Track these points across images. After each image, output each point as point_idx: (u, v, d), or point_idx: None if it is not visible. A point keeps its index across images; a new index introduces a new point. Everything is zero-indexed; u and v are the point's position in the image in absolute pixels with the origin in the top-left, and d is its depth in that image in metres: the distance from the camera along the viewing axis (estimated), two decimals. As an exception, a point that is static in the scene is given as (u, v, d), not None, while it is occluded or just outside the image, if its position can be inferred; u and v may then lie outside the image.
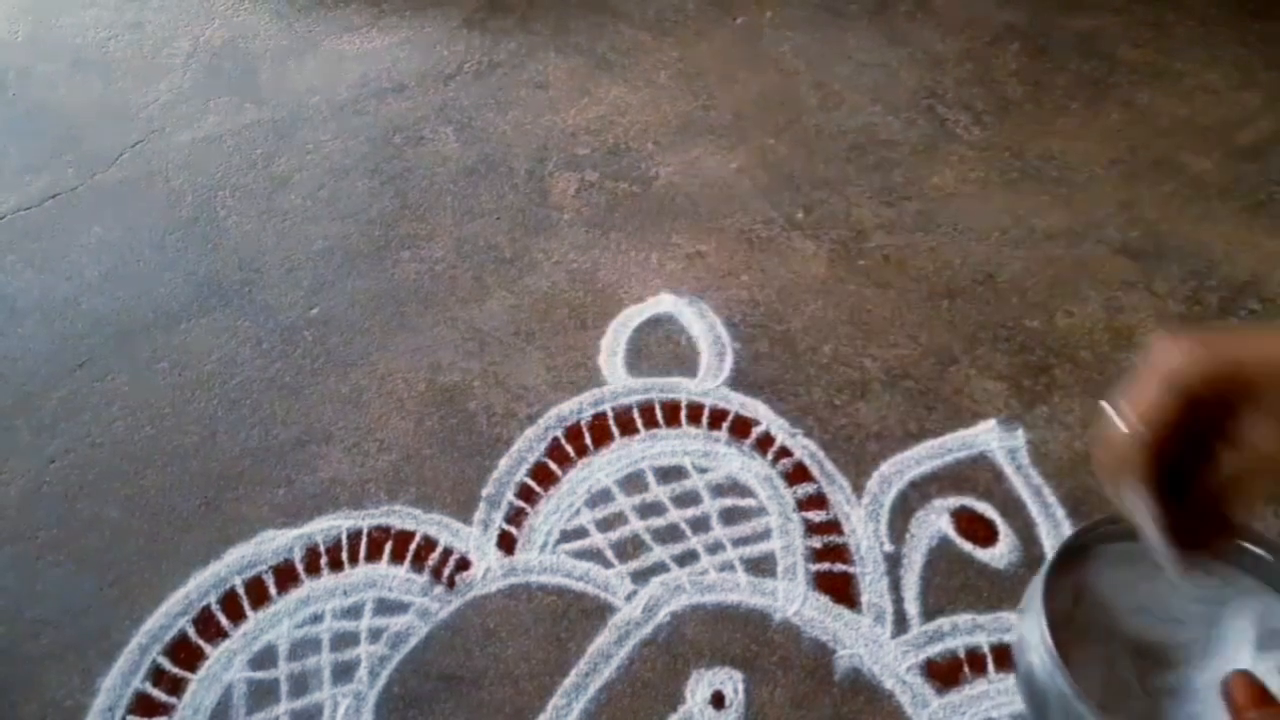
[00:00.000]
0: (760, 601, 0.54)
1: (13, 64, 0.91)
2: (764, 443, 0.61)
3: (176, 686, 0.52)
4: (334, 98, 0.86)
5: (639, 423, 0.62)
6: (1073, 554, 0.47)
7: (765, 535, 0.57)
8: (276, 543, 0.57)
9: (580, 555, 0.56)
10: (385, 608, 0.54)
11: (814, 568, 0.55)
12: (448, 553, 0.56)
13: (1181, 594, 0.47)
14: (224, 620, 0.54)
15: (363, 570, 0.56)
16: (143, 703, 0.51)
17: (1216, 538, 0.35)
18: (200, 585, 0.56)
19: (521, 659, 0.52)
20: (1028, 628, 0.46)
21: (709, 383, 0.64)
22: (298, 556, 0.56)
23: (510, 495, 0.59)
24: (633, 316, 0.68)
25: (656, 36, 0.91)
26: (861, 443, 0.60)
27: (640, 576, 0.55)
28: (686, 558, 0.56)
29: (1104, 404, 0.32)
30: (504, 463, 0.60)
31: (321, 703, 0.51)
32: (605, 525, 0.57)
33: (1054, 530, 0.56)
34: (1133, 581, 0.49)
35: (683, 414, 0.62)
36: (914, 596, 0.54)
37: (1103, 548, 0.49)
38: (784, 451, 0.60)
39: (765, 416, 0.62)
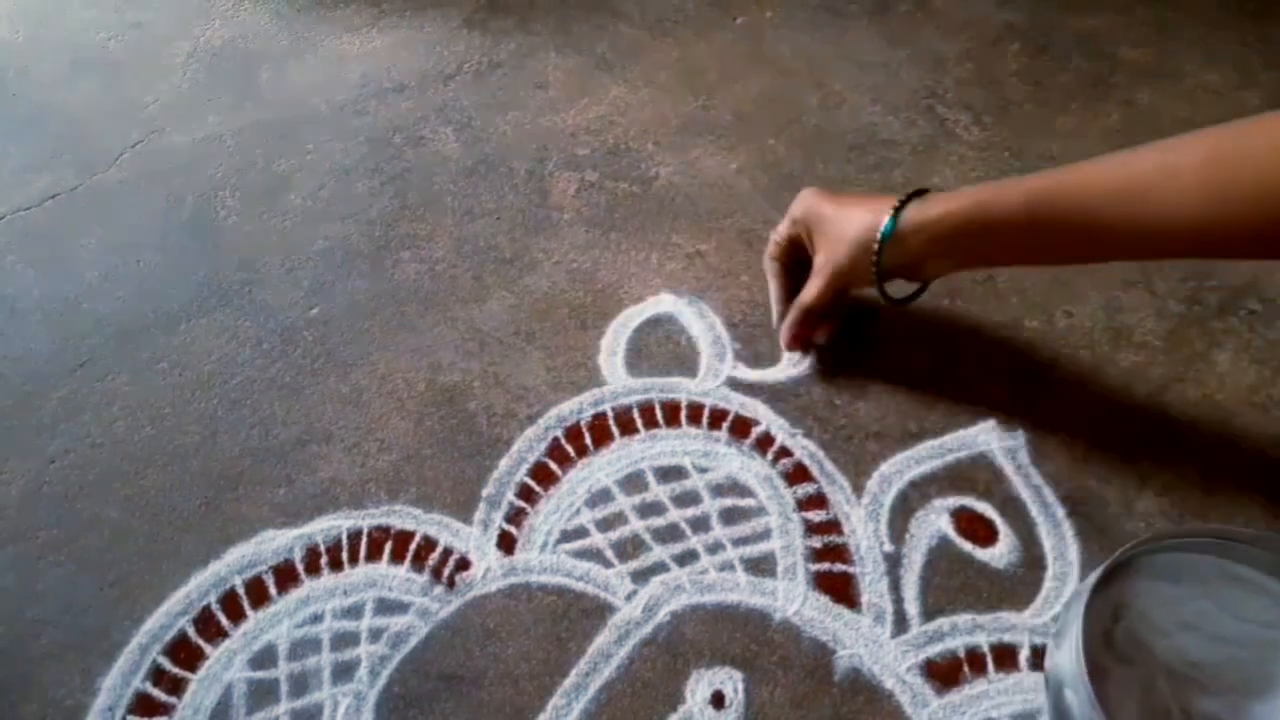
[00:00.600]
0: (760, 601, 0.54)
1: (12, 64, 0.91)
2: (764, 443, 0.61)
3: (177, 686, 0.52)
4: (334, 98, 0.86)
5: (639, 423, 0.62)
6: (1114, 571, 0.47)
7: (765, 535, 0.57)
8: (276, 543, 0.57)
9: (580, 555, 0.56)
10: (385, 607, 0.54)
11: (814, 568, 0.55)
12: (448, 553, 0.56)
13: (1233, 613, 0.47)
14: (224, 620, 0.54)
15: (363, 570, 0.56)
16: (143, 702, 0.52)
17: (811, 331, 0.63)
18: (200, 585, 0.56)
19: (521, 659, 0.52)
20: (1064, 657, 0.46)
21: (709, 383, 0.64)
22: (298, 556, 0.57)
23: (510, 495, 0.59)
24: (633, 316, 0.68)
25: (656, 37, 0.91)
26: (861, 443, 0.60)
27: (640, 576, 0.55)
28: (686, 557, 0.56)
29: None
30: (504, 463, 0.60)
31: (321, 702, 0.51)
32: (605, 525, 0.57)
33: (1054, 530, 0.56)
34: (1178, 597, 0.49)
35: (683, 414, 0.62)
36: (914, 596, 0.54)
37: (1146, 559, 0.48)
38: (784, 451, 0.60)
39: (765, 416, 0.62)
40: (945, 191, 0.56)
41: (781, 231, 0.63)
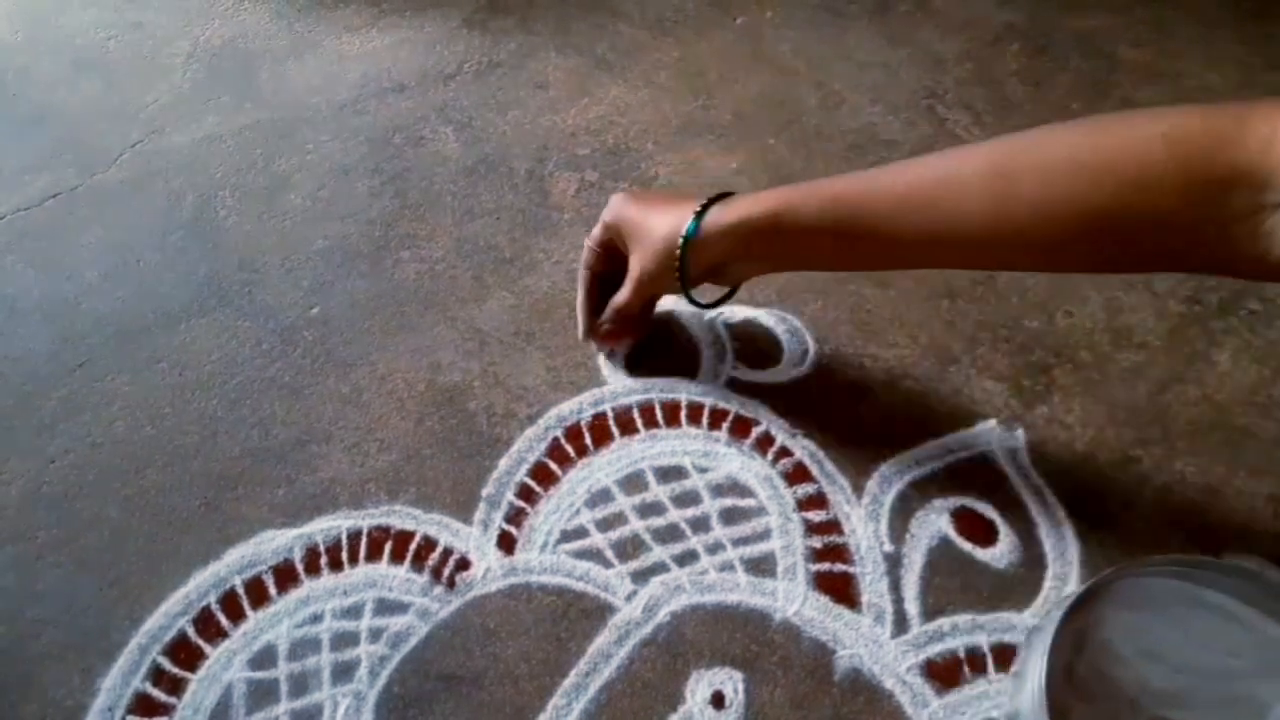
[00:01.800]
0: (760, 601, 0.54)
1: (12, 64, 0.91)
2: (764, 442, 0.61)
3: (176, 686, 0.52)
4: (334, 98, 0.86)
5: (639, 423, 0.62)
6: (1075, 606, 0.46)
7: (765, 535, 0.57)
8: (276, 543, 0.57)
9: (580, 555, 0.56)
10: (385, 608, 0.54)
11: (814, 568, 0.55)
12: (448, 553, 0.56)
13: (1199, 641, 0.46)
14: (224, 620, 0.54)
15: (363, 570, 0.56)
16: (143, 702, 0.51)
17: (622, 334, 0.63)
18: (200, 585, 0.56)
19: (521, 659, 0.52)
20: (1024, 703, 0.45)
21: (709, 382, 0.64)
22: (298, 556, 0.57)
23: (510, 495, 0.59)
24: (633, 316, 0.68)
25: (656, 36, 0.91)
26: (861, 443, 0.60)
27: (640, 576, 0.55)
28: (686, 558, 0.56)
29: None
30: (504, 463, 0.60)
31: (321, 702, 0.51)
32: (605, 525, 0.57)
33: (1054, 530, 0.56)
34: (1142, 624, 0.48)
35: (683, 414, 0.62)
36: (914, 596, 0.54)
37: (1111, 587, 0.48)
38: (784, 451, 0.60)
39: (765, 416, 0.62)
40: (748, 194, 0.55)
41: (595, 236, 0.61)
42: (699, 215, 0.55)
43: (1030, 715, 0.44)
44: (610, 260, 0.62)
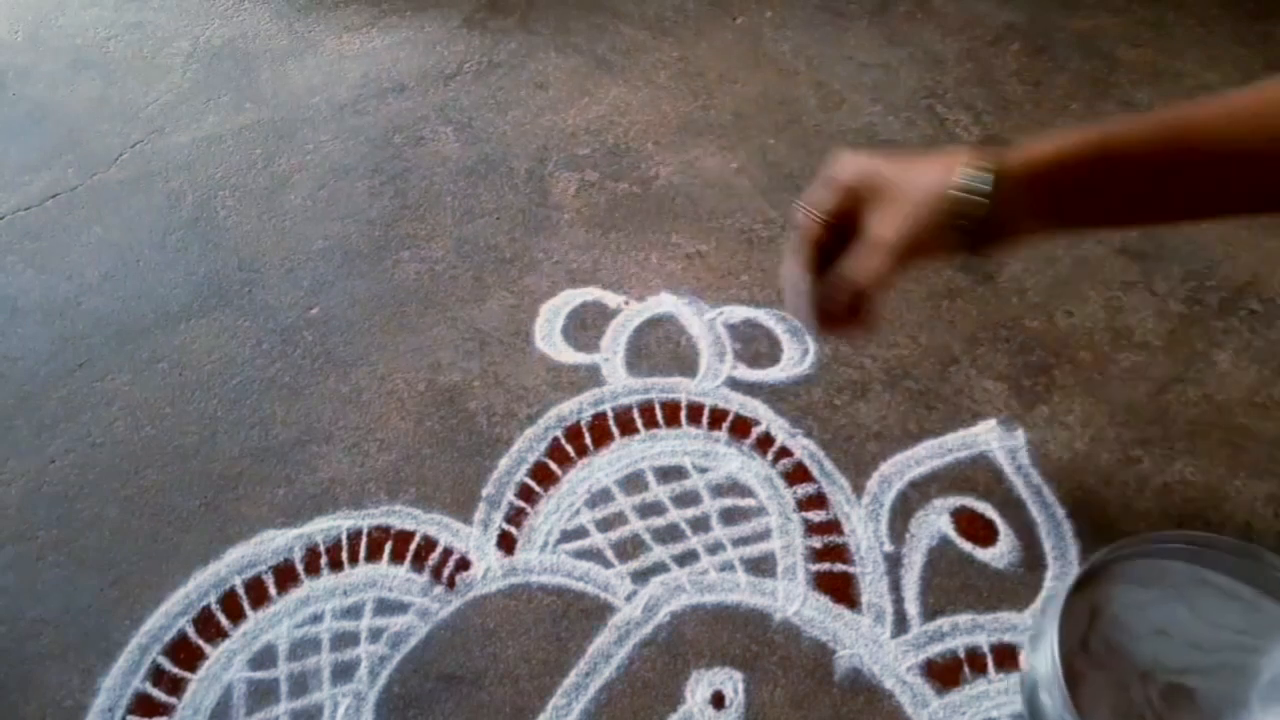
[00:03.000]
0: (760, 601, 0.54)
1: (12, 64, 0.91)
2: (764, 443, 0.61)
3: (176, 686, 0.52)
4: (334, 98, 0.86)
5: (639, 423, 0.62)
6: (1089, 576, 0.48)
7: (765, 535, 0.57)
8: (276, 543, 0.57)
9: (580, 555, 0.56)
10: (385, 608, 0.54)
11: (814, 568, 0.55)
12: (448, 553, 0.56)
13: (1206, 619, 0.48)
14: (224, 620, 0.54)
15: (363, 570, 0.56)
16: (143, 702, 0.51)
17: (846, 321, 0.48)
18: (200, 585, 0.56)
19: (521, 659, 0.52)
20: (1039, 660, 0.46)
21: (709, 383, 0.64)
22: (298, 556, 0.56)
23: (510, 495, 0.59)
24: (633, 316, 0.68)
25: (656, 36, 0.91)
26: (861, 443, 0.60)
27: (640, 576, 0.55)
28: (686, 558, 0.56)
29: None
30: (504, 463, 0.60)
31: (321, 702, 0.51)
32: (605, 525, 0.57)
33: (1054, 530, 0.56)
34: (1151, 602, 0.49)
35: (683, 414, 0.62)
36: (914, 596, 0.54)
37: (1121, 566, 0.49)
38: (784, 451, 0.60)
39: (765, 416, 0.62)
40: (1042, 138, 0.45)
41: (820, 203, 0.48)
42: (986, 160, 0.44)
43: (1045, 673, 0.45)
44: (836, 234, 0.49)
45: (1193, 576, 0.49)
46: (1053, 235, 0.54)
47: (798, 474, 0.59)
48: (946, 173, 0.45)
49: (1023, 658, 0.51)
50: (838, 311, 0.48)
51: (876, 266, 0.46)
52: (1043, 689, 0.45)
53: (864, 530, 0.56)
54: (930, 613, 0.53)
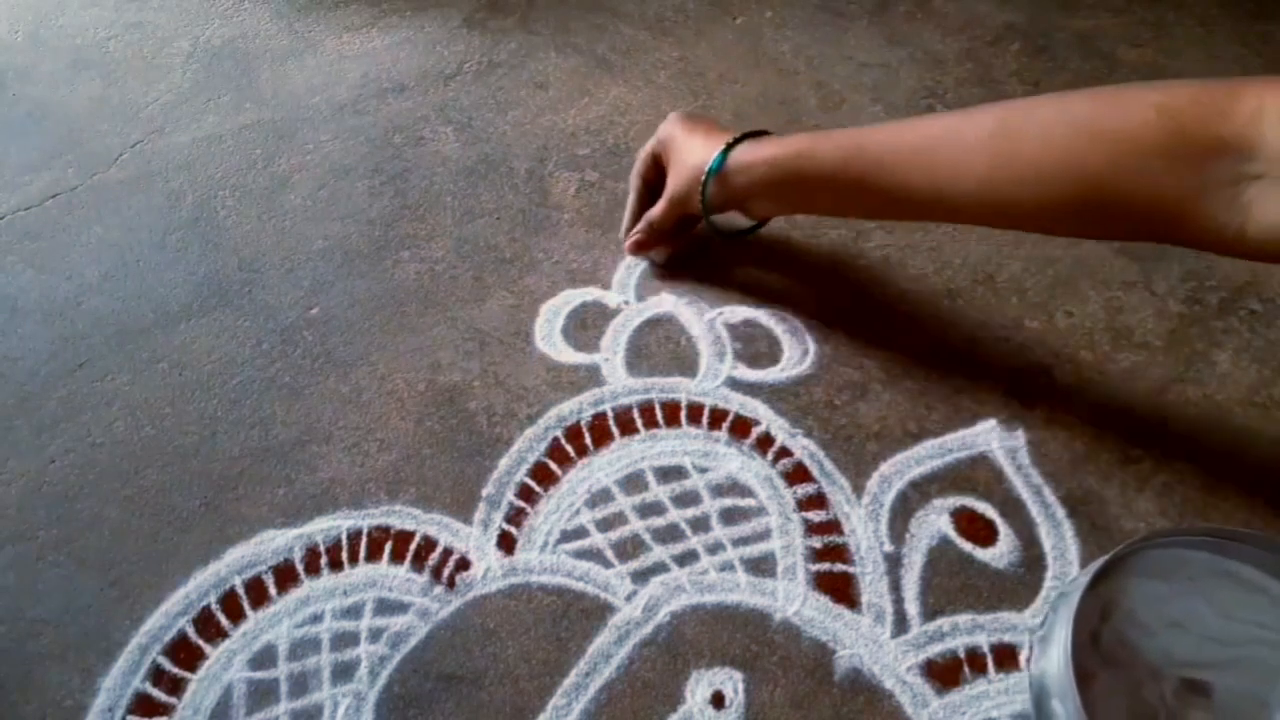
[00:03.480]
0: (760, 601, 0.54)
1: (12, 64, 0.91)
2: (764, 443, 0.61)
3: (176, 686, 0.52)
4: (334, 98, 0.86)
5: (639, 423, 0.62)
6: (1104, 572, 0.46)
7: (765, 535, 0.57)
8: (276, 543, 0.57)
9: (580, 555, 0.56)
10: (385, 607, 0.54)
11: (814, 568, 0.55)
12: (448, 553, 0.56)
13: (1226, 612, 0.47)
14: (224, 620, 0.54)
15: (363, 570, 0.56)
16: (143, 702, 0.51)
17: (649, 247, 0.68)
18: (200, 585, 0.56)
19: (521, 659, 0.52)
20: (1050, 664, 0.46)
21: (709, 382, 0.64)
22: (298, 556, 0.57)
23: (510, 495, 0.59)
24: (633, 316, 0.68)
25: (656, 36, 0.91)
26: (861, 443, 0.60)
27: (640, 576, 0.55)
28: (686, 558, 0.56)
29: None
30: (504, 463, 0.60)
31: (321, 702, 0.51)
32: (605, 525, 0.57)
33: (1054, 530, 0.56)
34: (1168, 595, 0.48)
35: (683, 414, 0.62)
36: (914, 596, 0.54)
37: (1136, 557, 0.48)
38: (784, 451, 0.60)
39: (765, 416, 0.62)
40: (777, 136, 0.59)
41: (647, 148, 0.67)
42: (727, 149, 0.59)
43: (1056, 679, 0.44)
44: (657, 173, 0.67)
45: (1214, 568, 0.48)
46: (788, 214, 0.69)
47: (798, 474, 0.59)
48: (707, 154, 0.60)
49: (1024, 658, 0.51)
50: (643, 239, 0.68)
51: (660, 213, 0.65)
52: (1054, 696, 0.44)
53: (864, 530, 0.56)
54: (930, 613, 0.53)
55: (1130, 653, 0.46)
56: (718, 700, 0.51)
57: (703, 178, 0.60)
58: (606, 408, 0.63)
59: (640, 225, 0.67)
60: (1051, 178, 0.47)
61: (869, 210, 0.61)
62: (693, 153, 0.61)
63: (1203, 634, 0.47)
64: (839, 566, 0.55)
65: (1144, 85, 0.46)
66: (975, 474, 0.59)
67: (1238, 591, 0.47)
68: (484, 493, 0.59)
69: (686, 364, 0.65)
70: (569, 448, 0.61)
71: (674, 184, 0.63)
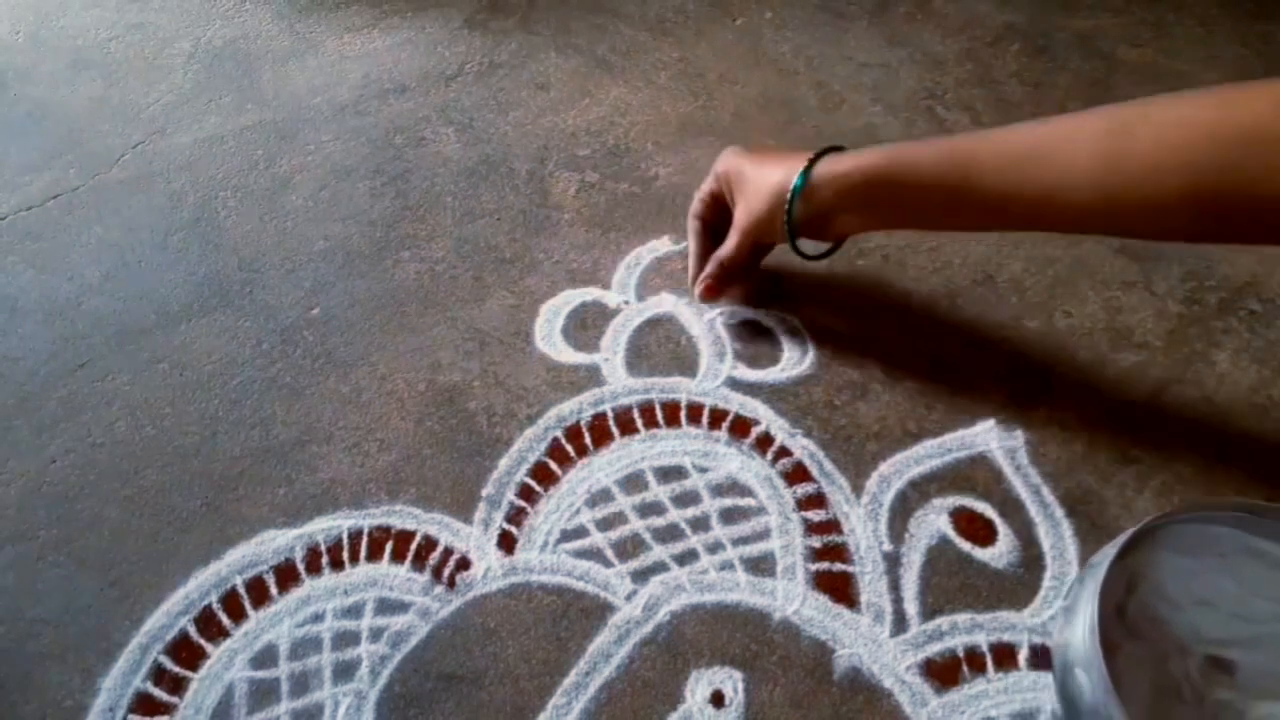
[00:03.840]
0: (760, 601, 0.54)
1: (12, 64, 0.91)
2: (764, 442, 0.61)
3: (178, 686, 0.52)
4: (335, 98, 0.86)
5: (639, 423, 0.62)
6: (1131, 544, 0.46)
7: (765, 535, 0.57)
8: (277, 542, 0.57)
9: (580, 555, 0.56)
10: (386, 607, 0.55)
11: (813, 567, 0.55)
12: (448, 552, 0.57)
13: (1254, 590, 0.46)
14: (225, 619, 0.54)
15: (363, 570, 0.56)
16: (144, 702, 0.52)
17: (723, 290, 0.65)
18: (201, 585, 0.56)
19: (522, 658, 0.52)
20: (1075, 635, 0.45)
21: (709, 382, 0.64)
22: (298, 556, 0.57)
23: (510, 495, 0.59)
24: (632, 316, 0.68)
25: (656, 37, 0.91)
26: (861, 443, 0.61)
27: (640, 576, 0.55)
28: (686, 557, 0.56)
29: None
30: (504, 462, 0.60)
31: (322, 702, 0.51)
32: (605, 525, 0.57)
33: (1053, 530, 0.56)
34: (1196, 571, 0.47)
35: (683, 414, 0.62)
36: (913, 596, 0.54)
37: (1166, 530, 0.47)
38: (784, 451, 0.60)
39: (765, 416, 0.62)
40: (860, 149, 0.57)
41: (705, 188, 0.64)
42: (810, 165, 0.57)
43: (1081, 649, 0.44)
44: (717, 213, 0.64)
45: (1243, 545, 0.47)
46: (876, 230, 0.67)
47: (797, 474, 0.59)
48: (787, 174, 0.57)
49: (1023, 657, 0.51)
50: (714, 283, 0.64)
51: (733, 249, 0.62)
52: (1079, 666, 0.44)
53: (863, 530, 0.57)
54: (929, 612, 0.53)
55: (1156, 627, 0.46)
56: (717, 699, 0.51)
57: (788, 197, 0.57)
58: (606, 408, 0.63)
59: (710, 268, 0.63)
60: (1168, 177, 0.45)
61: (967, 219, 0.56)
62: (769, 178, 0.58)
63: (1230, 611, 0.46)
64: (838, 566, 0.55)
65: (1260, 82, 0.44)
66: (974, 474, 0.59)
67: (1266, 570, 0.47)
68: (484, 492, 0.59)
69: (686, 364, 0.65)
70: (569, 448, 0.61)
71: (749, 213, 0.60)
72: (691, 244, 0.66)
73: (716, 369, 0.64)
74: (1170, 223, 0.48)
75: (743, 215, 0.61)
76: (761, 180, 0.59)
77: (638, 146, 0.80)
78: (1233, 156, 0.43)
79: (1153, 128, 0.46)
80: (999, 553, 0.56)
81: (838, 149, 0.57)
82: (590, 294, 0.69)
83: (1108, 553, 0.46)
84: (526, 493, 0.59)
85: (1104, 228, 0.52)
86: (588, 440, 0.61)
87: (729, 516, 0.58)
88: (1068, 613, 0.47)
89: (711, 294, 0.64)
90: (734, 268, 0.63)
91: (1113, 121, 0.48)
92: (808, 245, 0.62)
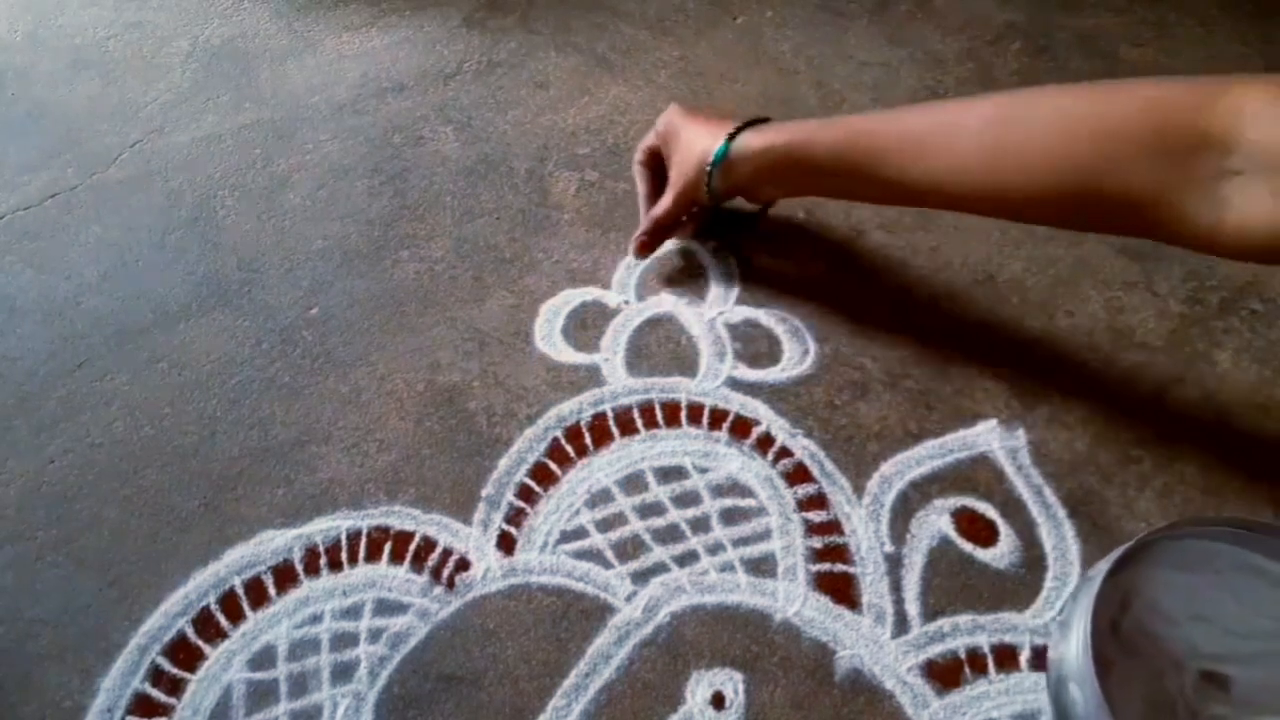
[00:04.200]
0: (760, 602, 0.54)
1: (11, 63, 0.91)
2: (764, 443, 0.61)
3: (176, 687, 0.52)
4: (333, 97, 0.86)
5: (639, 423, 0.62)
6: (1126, 559, 0.46)
7: (765, 535, 0.57)
8: (276, 543, 0.57)
9: (580, 555, 0.56)
10: (385, 608, 0.54)
11: (814, 568, 0.55)
12: (447, 553, 0.56)
13: (1250, 606, 0.46)
14: (223, 620, 0.54)
15: (362, 570, 0.56)
16: (142, 703, 0.51)
17: (659, 241, 0.68)
18: (199, 585, 0.55)
19: (521, 659, 0.52)
20: (1069, 650, 0.45)
21: (709, 383, 0.64)
22: (297, 557, 0.56)
23: (510, 495, 0.59)
24: (632, 316, 0.68)
25: (656, 36, 0.91)
26: (862, 443, 0.60)
27: (640, 577, 0.55)
28: (687, 558, 0.56)
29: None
30: (504, 463, 0.60)
31: (321, 703, 0.51)
32: (605, 525, 0.57)
33: (1055, 530, 0.56)
34: (1191, 586, 0.47)
35: (683, 414, 0.62)
36: (914, 597, 0.54)
37: (1161, 546, 0.47)
38: (784, 451, 0.60)
39: (765, 416, 0.62)
40: (780, 123, 0.60)
41: (646, 141, 0.68)
42: (730, 138, 0.61)
43: (1074, 664, 0.44)
44: (658, 164, 0.68)
45: (1240, 561, 0.47)
46: (793, 196, 0.68)
47: (798, 474, 0.59)
48: (711, 143, 0.61)
49: (1024, 659, 0.51)
50: (648, 239, 0.67)
51: (667, 207, 0.65)
52: (1072, 681, 0.44)
53: (864, 531, 0.56)
54: (931, 613, 0.53)
55: (1151, 642, 0.46)
56: (718, 701, 0.51)
57: (708, 167, 0.61)
58: (606, 408, 0.63)
59: (645, 225, 0.67)
60: (1044, 169, 0.48)
61: (869, 196, 0.61)
62: (696, 142, 0.62)
63: (1226, 627, 0.46)
64: (839, 567, 0.55)
65: (1140, 80, 0.47)
66: (976, 474, 0.59)
67: (1263, 586, 0.47)
68: (483, 493, 0.59)
69: (686, 364, 0.65)
70: (569, 448, 0.61)
71: (679, 176, 0.64)
72: (640, 186, 0.69)
73: (717, 369, 0.64)
74: (1049, 211, 0.51)
75: (675, 175, 0.64)
76: (690, 146, 0.62)
77: (638, 145, 0.80)
78: (1101, 153, 0.45)
79: (1034, 121, 0.49)
80: (1001, 553, 0.55)
81: (763, 120, 0.61)
82: (590, 294, 0.69)
83: (1102, 568, 0.46)
84: (526, 493, 0.59)
85: (992, 211, 0.55)
86: (588, 440, 0.61)
87: (729, 517, 0.57)
88: (1062, 627, 0.47)
89: (646, 250, 0.68)
90: (668, 223, 0.66)
91: (997, 111, 0.51)
92: (732, 206, 0.68)
